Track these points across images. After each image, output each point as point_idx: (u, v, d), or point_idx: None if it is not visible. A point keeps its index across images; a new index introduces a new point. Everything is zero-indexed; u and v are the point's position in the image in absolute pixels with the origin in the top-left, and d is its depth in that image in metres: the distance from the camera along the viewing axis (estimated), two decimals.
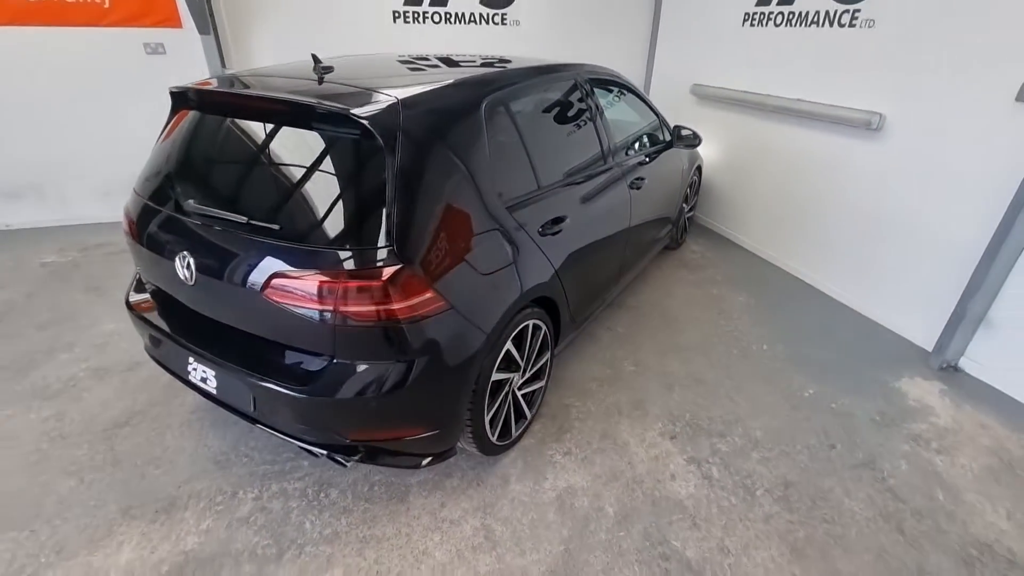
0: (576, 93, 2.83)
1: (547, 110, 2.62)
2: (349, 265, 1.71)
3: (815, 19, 4.02)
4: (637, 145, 3.49)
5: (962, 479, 2.44)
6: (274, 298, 1.76)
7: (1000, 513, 2.27)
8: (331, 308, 1.71)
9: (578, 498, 2.29)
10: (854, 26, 3.72)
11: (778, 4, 4.33)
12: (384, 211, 1.73)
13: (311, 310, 1.73)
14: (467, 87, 2.17)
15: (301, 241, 1.77)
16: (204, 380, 2.07)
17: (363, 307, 1.71)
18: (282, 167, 1.94)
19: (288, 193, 1.88)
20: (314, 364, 1.85)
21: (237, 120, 2.03)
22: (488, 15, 5.36)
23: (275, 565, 1.97)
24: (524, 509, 2.23)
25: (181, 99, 2.20)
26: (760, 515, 2.23)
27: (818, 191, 4.13)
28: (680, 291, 4.13)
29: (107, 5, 4.35)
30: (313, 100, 1.80)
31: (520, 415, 2.51)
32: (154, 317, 2.24)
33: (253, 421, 2.06)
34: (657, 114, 3.86)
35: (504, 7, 5.37)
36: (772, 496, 2.33)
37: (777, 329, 3.61)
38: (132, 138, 4.78)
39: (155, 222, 2.09)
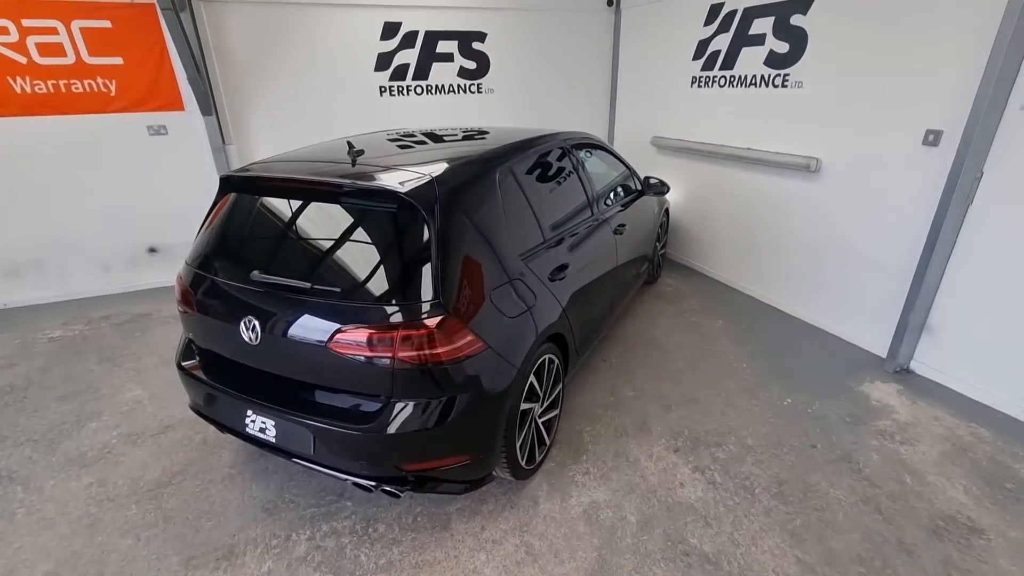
0: (563, 157, 3.29)
1: (542, 173, 3.04)
2: (402, 317, 2.02)
3: (752, 81, 4.69)
4: (614, 195, 3.97)
5: (924, 464, 2.83)
6: (339, 350, 2.04)
7: (958, 489, 2.66)
8: (389, 355, 2.01)
9: (602, 511, 2.56)
10: (786, 86, 4.37)
11: (720, 69, 5.02)
12: (426, 270, 2.07)
13: (372, 357, 2.03)
14: (481, 162, 2.57)
15: (359, 300, 2.08)
16: (263, 430, 2.29)
17: (415, 351, 2.02)
18: (335, 238, 2.26)
19: (343, 259, 2.20)
20: (372, 405, 2.12)
21: (290, 200, 2.36)
22: (465, 85, 5.92)
23: None
24: (556, 524, 2.49)
25: (230, 184, 2.52)
26: (761, 510, 2.56)
27: (771, 225, 4.69)
28: (663, 321, 4.54)
29: (114, 92, 4.67)
30: (368, 183, 2.16)
31: (541, 442, 2.79)
32: (208, 377, 2.46)
33: (311, 463, 2.29)
34: (627, 166, 4.37)
35: (479, 78, 5.94)
36: (769, 493, 2.66)
37: (753, 348, 4.04)
38: (132, 214, 5.04)
39: (215, 292, 2.35)
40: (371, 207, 2.19)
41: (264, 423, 2.29)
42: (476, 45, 5.82)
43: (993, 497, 2.59)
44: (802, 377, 3.66)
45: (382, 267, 2.13)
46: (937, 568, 2.24)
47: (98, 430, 3.20)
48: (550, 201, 2.98)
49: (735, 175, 5.02)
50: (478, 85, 5.97)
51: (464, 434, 2.22)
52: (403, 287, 2.08)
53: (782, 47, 4.34)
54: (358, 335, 2.02)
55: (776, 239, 4.68)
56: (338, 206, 2.26)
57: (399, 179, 2.19)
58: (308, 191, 2.33)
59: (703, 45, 5.16)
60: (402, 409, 2.09)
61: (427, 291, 2.05)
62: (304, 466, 2.31)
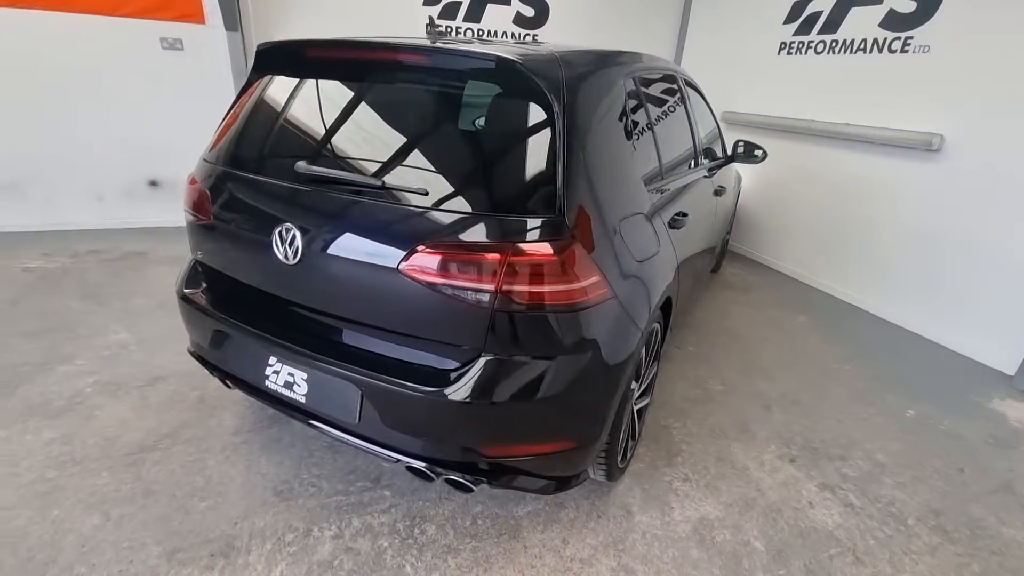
0: (675, 86, 2.67)
1: (658, 96, 2.43)
2: (515, 237, 1.41)
3: (861, 46, 4.08)
4: (707, 153, 3.36)
5: None
6: (415, 276, 1.43)
7: None
8: (490, 288, 1.39)
9: (717, 531, 1.96)
10: (907, 52, 3.77)
11: (819, 33, 4.41)
12: (548, 174, 1.46)
13: (464, 290, 1.41)
14: (603, 58, 1.95)
15: (452, 207, 1.46)
16: (289, 385, 1.68)
17: (529, 286, 1.41)
18: (419, 126, 1.65)
19: (430, 154, 1.58)
20: (453, 360, 1.51)
21: (351, 77, 1.74)
22: (520, 35, 5.29)
23: None
24: (661, 545, 1.89)
25: (272, 58, 1.90)
26: (923, 547, 1.96)
27: (869, 214, 4.09)
28: (736, 311, 3.94)
29: None
30: (478, 49, 1.54)
31: (631, 435, 2.19)
32: (219, 310, 1.84)
33: (351, 435, 1.67)
34: (717, 124, 3.76)
35: (536, 28, 5.32)
36: (926, 525, 2.06)
37: (849, 350, 3.44)
38: (134, 139, 4.39)
39: (240, 192, 1.74)
40: (474, 86, 1.57)
41: (291, 375, 1.67)
42: None
43: None
44: (918, 387, 3.06)
45: (487, 165, 1.52)
46: None
47: (70, 375, 2.57)
48: (666, 132, 2.36)
49: (824, 154, 4.41)
50: (534, 36, 5.34)
51: (571, 413, 1.61)
52: (516, 194, 1.48)
53: (907, 5, 3.73)
54: (448, 256, 1.40)
55: (871, 228, 4.07)
56: (423, 85, 1.64)
57: (513, 52, 1.57)
58: (382, 65, 1.71)
59: (799, 6, 4.55)
60: (496, 368, 1.47)
61: (546, 203, 1.44)
62: (338, 439, 1.69)
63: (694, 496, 2.12)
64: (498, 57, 1.50)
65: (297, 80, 1.85)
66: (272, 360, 1.71)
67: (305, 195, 1.60)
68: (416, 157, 1.59)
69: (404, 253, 1.43)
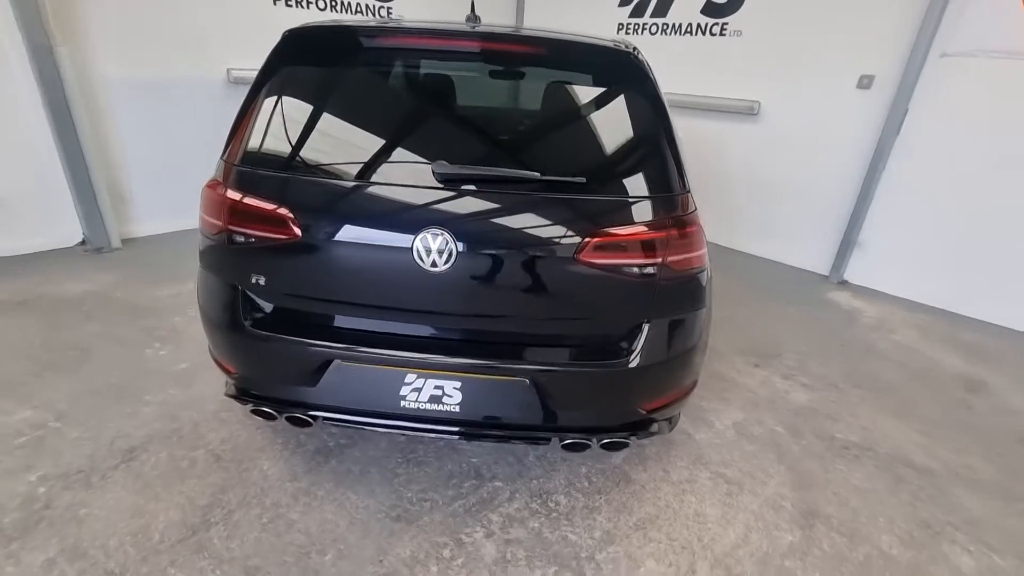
0: None
1: None
2: (670, 213, 1.59)
3: (688, 29, 4.98)
4: None
5: (915, 344, 3.43)
6: (592, 261, 1.51)
7: (950, 356, 3.28)
8: (657, 261, 1.57)
9: (751, 428, 2.48)
10: (725, 35, 4.75)
11: (652, 16, 5.20)
12: (672, 155, 1.67)
13: (636, 266, 1.56)
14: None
15: (610, 193, 1.57)
16: (436, 399, 1.60)
17: (684, 254, 1.63)
18: (542, 117, 1.67)
19: (565, 144, 1.63)
20: (619, 332, 1.64)
21: (450, 68, 1.65)
22: (375, 7, 5.01)
23: None
24: (727, 449, 2.32)
25: (328, 44, 1.66)
26: (858, 399, 2.78)
27: (714, 168, 5.10)
28: None
29: None
30: (594, 41, 1.62)
31: None
32: (325, 338, 1.61)
33: (508, 431, 1.68)
34: None
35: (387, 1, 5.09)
36: (851, 384, 2.90)
37: (731, 276, 4.36)
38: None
39: (352, 201, 1.54)
40: (582, 75, 1.66)
41: (439, 388, 1.59)
42: None
43: (972, 359, 3.28)
44: (783, 293, 4.10)
45: (620, 150, 1.65)
46: (970, 399, 2.74)
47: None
48: None
49: (678, 123, 5.29)
50: (388, 9, 5.12)
51: (699, 356, 1.87)
52: (653, 174, 1.64)
53: None
54: (623, 238, 1.52)
55: (719, 180, 5.08)
56: (539, 75, 1.67)
57: (607, 41, 1.69)
58: (494, 56, 1.67)
59: None
60: (659, 331, 1.66)
61: (675, 180, 1.65)
62: (490, 441, 1.70)
63: (718, 409, 2.61)
64: (619, 48, 1.61)
65: (358, 70, 1.66)
66: (410, 378, 1.59)
67: (450, 196, 1.51)
68: (552, 147, 1.63)
69: (580, 241, 1.50)
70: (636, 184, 1.61)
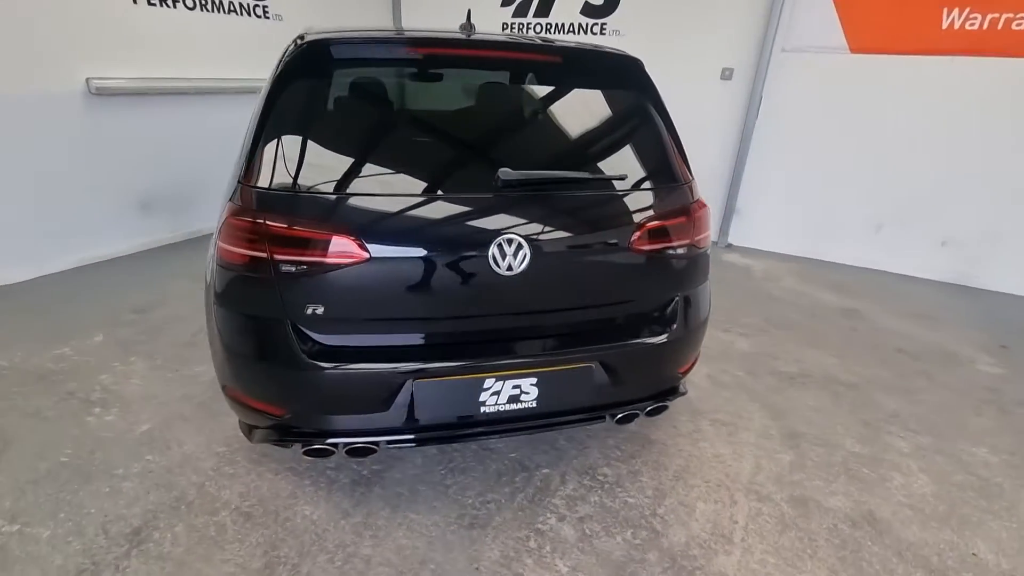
0: None
1: None
2: (692, 199, 1.82)
3: (571, 29, 5.35)
4: None
5: (799, 287, 4.19)
6: (643, 247, 1.69)
7: (826, 294, 4.08)
8: (689, 241, 1.80)
9: (719, 377, 2.87)
10: (605, 34, 5.20)
11: (535, 16, 5.48)
12: (677, 149, 1.90)
13: (677, 247, 1.76)
14: None
15: (645, 186, 1.74)
16: (515, 399, 1.66)
17: (703, 233, 1.87)
18: (568, 120, 1.77)
19: (596, 144, 1.76)
20: (658, 307, 1.84)
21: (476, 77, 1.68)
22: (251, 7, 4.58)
23: (668, 537, 1.85)
24: (712, 400, 2.67)
25: (344, 55, 1.58)
26: (778, 338, 3.35)
27: None
28: None
29: None
30: (608, 48, 1.76)
31: None
32: (401, 360, 1.57)
33: (575, 415, 1.81)
34: None
35: None
36: (772, 325, 3.48)
37: None
38: None
39: (421, 215, 1.51)
40: (599, 79, 1.81)
41: (516, 387, 1.66)
42: None
43: (841, 294, 4.11)
44: None
45: (642, 145, 1.82)
46: (853, 324, 3.50)
47: None
48: None
49: None
50: (263, 7, 4.73)
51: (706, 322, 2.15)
52: (675, 168, 1.84)
53: None
54: (666, 224, 1.72)
55: None
56: (556, 80, 1.77)
57: (614, 50, 1.86)
58: (522, 65, 1.73)
59: None
60: (690, 302, 1.89)
61: (683, 170, 1.89)
62: (561, 428, 1.80)
63: None
64: (629, 56, 1.79)
65: (373, 81, 1.63)
66: (488, 383, 1.63)
67: (516, 201, 1.56)
68: (589, 149, 1.76)
69: (632, 230, 1.66)
70: (662, 176, 1.81)
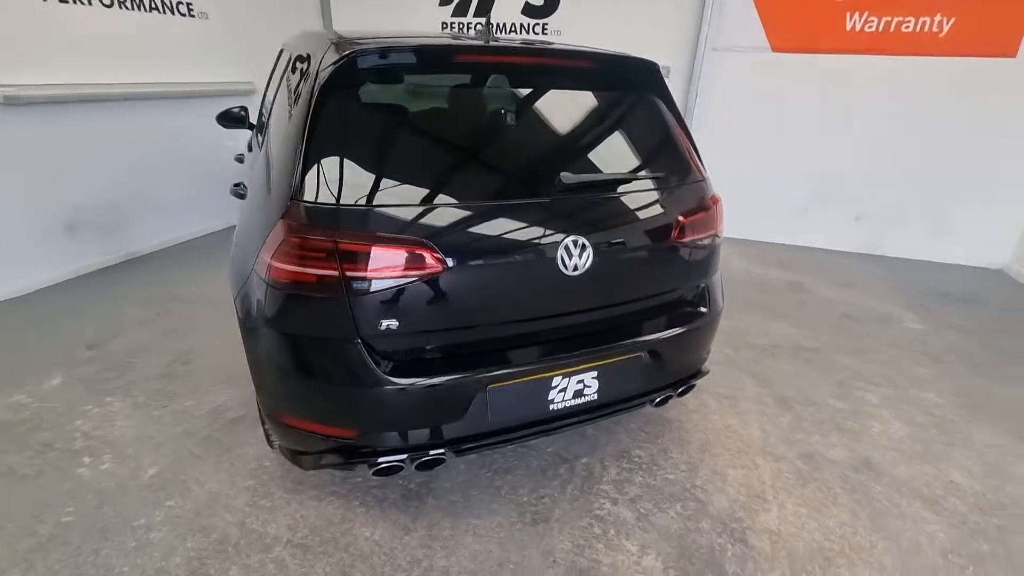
0: None
1: None
2: (712, 192, 1.98)
3: (512, 29, 5.43)
4: None
5: (745, 266, 4.60)
6: (683, 240, 1.82)
7: (764, 266, 4.51)
8: (715, 232, 1.96)
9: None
10: (547, 33, 5.33)
11: (474, 16, 5.50)
12: (692, 147, 2.05)
13: (707, 237, 1.91)
14: None
15: (678, 183, 1.87)
16: (579, 393, 1.74)
17: (722, 223, 2.04)
18: (603, 123, 1.84)
19: (636, 144, 1.86)
20: (690, 292, 1.99)
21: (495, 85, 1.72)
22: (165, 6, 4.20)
23: (713, 504, 2.01)
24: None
25: (384, 66, 1.55)
26: (753, 318, 3.68)
27: None
28: None
29: None
30: (628, 55, 1.86)
31: None
32: (475, 369, 1.57)
33: (628, 402, 1.91)
34: None
35: None
36: (744, 303, 3.81)
37: None
38: None
39: (493, 222, 1.53)
40: (622, 84, 1.91)
41: (580, 382, 1.73)
42: None
43: (784, 269, 4.56)
44: None
45: (668, 144, 1.94)
46: (800, 297, 3.93)
47: None
48: None
49: None
50: (187, 5, 4.35)
51: None
52: (693, 164, 1.98)
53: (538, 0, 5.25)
54: (699, 217, 1.86)
55: None
56: (590, 85, 1.84)
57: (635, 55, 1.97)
58: (551, 71, 1.77)
59: None
60: (715, 287, 2.06)
61: (699, 166, 2.04)
62: (614, 416, 1.90)
63: None
64: (646, 59, 1.90)
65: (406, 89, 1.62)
66: (556, 381, 1.69)
67: (575, 203, 1.61)
68: (626, 150, 1.84)
69: (674, 225, 1.78)
70: (688, 172, 1.94)
